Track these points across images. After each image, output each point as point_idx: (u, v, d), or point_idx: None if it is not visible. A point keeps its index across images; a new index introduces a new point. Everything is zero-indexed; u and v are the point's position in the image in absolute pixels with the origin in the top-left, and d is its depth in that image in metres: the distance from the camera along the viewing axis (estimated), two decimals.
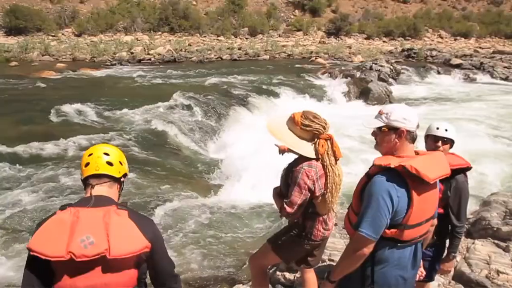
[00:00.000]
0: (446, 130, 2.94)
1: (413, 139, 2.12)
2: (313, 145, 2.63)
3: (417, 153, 2.17)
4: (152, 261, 1.90)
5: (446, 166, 2.21)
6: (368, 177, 2.12)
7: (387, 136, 2.13)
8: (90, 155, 1.97)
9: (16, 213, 5.74)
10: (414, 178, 1.99)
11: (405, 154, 2.10)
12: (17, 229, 5.46)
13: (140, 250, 1.79)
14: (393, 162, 2.03)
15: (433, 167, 2.08)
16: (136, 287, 1.89)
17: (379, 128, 2.15)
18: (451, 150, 3.01)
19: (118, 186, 2.01)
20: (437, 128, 2.95)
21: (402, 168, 1.99)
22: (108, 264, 1.75)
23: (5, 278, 4.56)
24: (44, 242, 1.72)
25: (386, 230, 2.04)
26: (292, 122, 2.67)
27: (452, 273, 3.91)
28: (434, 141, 2.94)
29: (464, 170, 2.90)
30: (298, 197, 2.60)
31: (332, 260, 3.93)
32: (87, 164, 1.95)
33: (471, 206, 5.53)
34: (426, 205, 2.11)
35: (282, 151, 3.08)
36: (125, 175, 2.04)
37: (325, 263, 3.92)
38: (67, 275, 1.76)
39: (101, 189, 1.93)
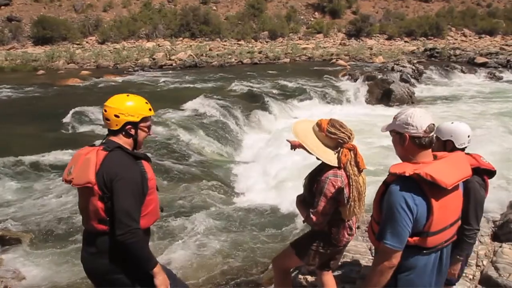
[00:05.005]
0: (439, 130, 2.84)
1: (421, 145, 2.04)
2: (336, 153, 2.63)
3: (435, 156, 2.13)
4: (110, 200, 2.26)
5: (465, 168, 2.15)
6: (386, 186, 2.08)
7: (396, 140, 2.11)
8: None
9: (46, 217, 5.94)
10: (431, 185, 1.94)
11: (421, 160, 2.05)
12: (47, 232, 5.64)
13: (84, 184, 2.25)
14: (408, 169, 1.98)
15: (450, 171, 2.02)
16: (108, 219, 2.26)
17: (391, 132, 2.14)
18: (470, 151, 2.91)
19: (124, 134, 2.40)
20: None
21: (417, 176, 1.95)
22: (80, 191, 2.35)
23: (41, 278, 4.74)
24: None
25: (409, 239, 2.01)
26: (318, 128, 2.68)
27: (478, 277, 3.83)
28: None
29: (479, 171, 2.76)
30: (324, 207, 2.60)
31: (355, 264, 3.90)
32: None
33: (499, 209, 5.39)
34: (448, 210, 2.06)
35: (293, 146, 3.08)
36: (127, 124, 2.38)
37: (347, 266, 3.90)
38: None
39: (112, 136, 2.42)
